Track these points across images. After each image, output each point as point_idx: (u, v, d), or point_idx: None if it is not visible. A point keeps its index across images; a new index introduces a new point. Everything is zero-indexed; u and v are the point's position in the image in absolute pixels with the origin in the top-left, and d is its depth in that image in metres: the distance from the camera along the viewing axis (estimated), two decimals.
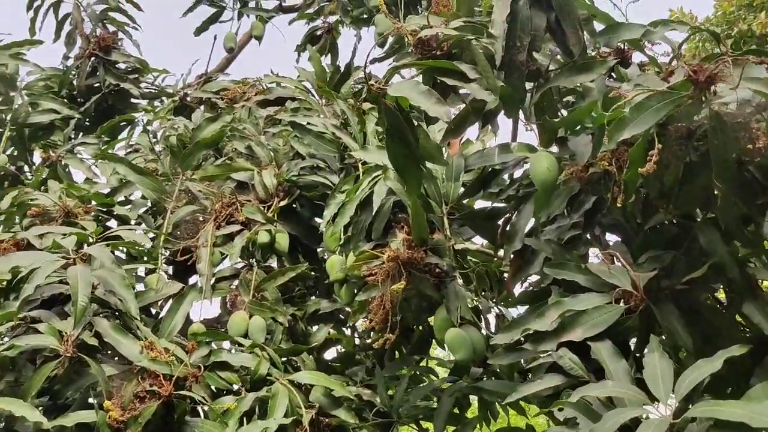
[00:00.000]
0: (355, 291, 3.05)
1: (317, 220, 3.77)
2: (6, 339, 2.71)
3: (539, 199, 2.50)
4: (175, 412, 2.61)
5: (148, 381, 2.54)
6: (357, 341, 4.03)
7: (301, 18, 5.47)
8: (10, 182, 4.66)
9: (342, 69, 4.28)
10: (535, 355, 2.36)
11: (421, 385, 3.41)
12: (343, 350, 3.94)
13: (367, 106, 3.74)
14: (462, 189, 2.99)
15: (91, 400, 2.70)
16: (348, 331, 4.01)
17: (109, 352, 2.77)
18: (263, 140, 3.77)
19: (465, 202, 3.15)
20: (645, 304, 2.25)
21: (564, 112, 2.84)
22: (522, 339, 2.38)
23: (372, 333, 3.85)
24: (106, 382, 2.51)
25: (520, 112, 2.49)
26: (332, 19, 5.41)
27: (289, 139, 3.67)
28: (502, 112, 2.30)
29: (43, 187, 3.94)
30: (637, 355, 2.28)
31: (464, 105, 2.26)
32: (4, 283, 2.99)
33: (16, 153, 4.84)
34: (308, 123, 3.59)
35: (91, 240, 2.99)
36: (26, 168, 4.92)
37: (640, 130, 2.01)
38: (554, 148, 2.66)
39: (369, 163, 3.19)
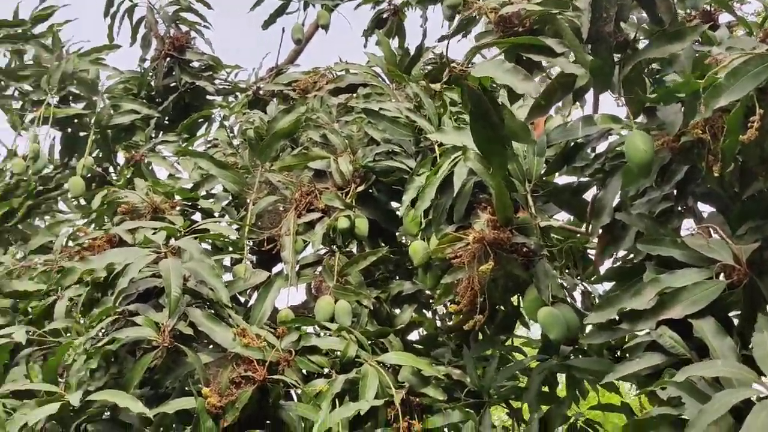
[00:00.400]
0: (439, 274, 3.04)
1: (394, 204, 3.78)
2: (102, 333, 2.83)
3: (629, 172, 2.42)
4: (269, 396, 2.68)
5: (243, 367, 2.60)
6: (438, 323, 4.03)
7: (367, 2, 5.44)
8: (97, 183, 4.86)
9: (411, 51, 4.25)
10: (632, 333, 2.29)
11: (510, 364, 3.38)
12: (425, 333, 3.95)
13: (438, 86, 3.71)
14: (545, 165, 2.93)
15: (188, 388, 2.80)
16: (428, 314, 4.03)
17: (204, 341, 2.86)
18: (337, 128, 3.79)
19: (546, 178, 3.09)
20: (749, 278, 2.15)
21: (649, 81, 2.74)
22: (617, 318, 2.32)
23: (453, 315, 3.87)
24: (203, 369, 2.60)
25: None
26: (398, 0, 5.37)
27: (363, 126, 3.68)
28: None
29: (129, 186, 4.09)
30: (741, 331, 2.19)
31: (550, 81, 2.21)
32: (101, 279, 3.13)
33: (101, 155, 5.04)
34: (381, 108, 3.58)
35: (179, 234, 3.08)
36: (111, 169, 5.12)
37: (738, 96, 1.91)
38: (641, 118, 2.57)
39: (445, 145, 3.17)
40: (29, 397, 2.79)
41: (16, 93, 4.89)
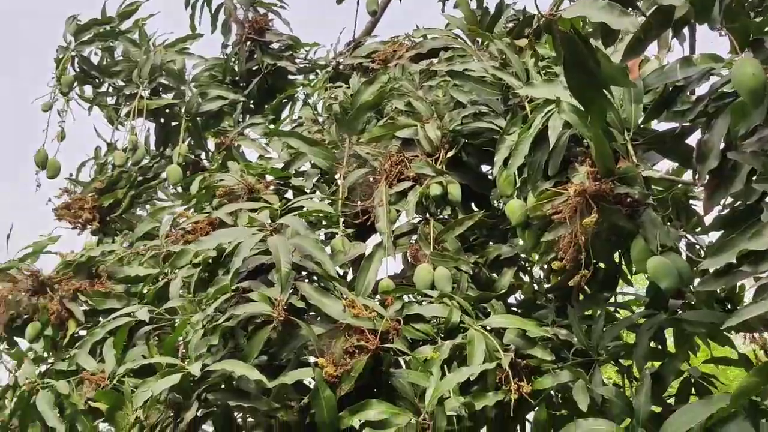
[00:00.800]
0: (539, 232, 2.99)
1: (484, 168, 3.75)
2: (216, 310, 2.94)
3: (738, 110, 2.30)
4: (382, 365, 2.73)
5: (355, 337, 2.65)
6: (535, 287, 3.99)
7: None
8: (191, 170, 5.03)
9: (491, 10, 4.16)
10: (755, 276, 2.20)
11: (617, 321, 3.31)
12: (523, 297, 3.91)
13: (522, 42, 3.63)
14: (643, 112, 2.82)
15: (302, 358, 2.88)
16: (525, 278, 3.99)
17: (312, 313, 2.94)
18: (421, 94, 3.77)
19: (644, 125, 2.98)
20: None
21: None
22: (734, 262, 2.23)
23: (552, 276, 3.82)
24: (317, 341, 2.66)
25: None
26: None
27: (448, 89, 3.65)
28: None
29: (223, 170, 4.21)
30: None
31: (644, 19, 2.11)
32: (210, 260, 3.25)
33: (192, 142, 5.20)
34: (465, 69, 3.53)
35: (278, 213, 3.16)
36: (203, 155, 5.28)
37: None
38: (746, 54, 2.42)
39: (536, 100, 3.10)
40: (150, 374, 2.94)
41: (110, 89, 5.11)
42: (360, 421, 2.59)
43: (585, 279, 2.67)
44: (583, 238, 2.61)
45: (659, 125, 3.03)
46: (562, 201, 2.71)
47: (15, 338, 4.29)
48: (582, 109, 2.50)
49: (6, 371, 4.46)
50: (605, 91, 2.26)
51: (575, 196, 2.63)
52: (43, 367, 4.01)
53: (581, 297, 3.45)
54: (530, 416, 3.03)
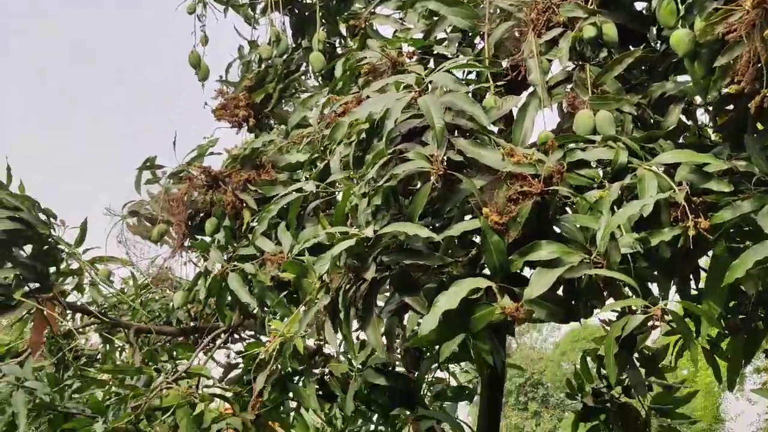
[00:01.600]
0: (709, 60, 2.75)
1: (637, 6, 3.47)
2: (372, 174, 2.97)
3: None
4: (548, 210, 2.69)
5: (518, 184, 2.62)
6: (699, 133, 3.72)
7: None
8: (328, 58, 5.06)
9: None
10: None
11: None
12: (686, 141, 3.67)
13: None
14: None
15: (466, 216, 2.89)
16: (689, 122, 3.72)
17: (470, 169, 2.92)
18: None
19: None
20: None
21: None
22: None
23: (717, 118, 3.53)
24: (478, 192, 2.66)
25: None
26: None
27: None
28: None
29: (363, 49, 4.20)
30: None
31: None
32: (365, 135, 3.30)
33: (326, 30, 5.20)
34: None
35: (425, 80, 3.11)
36: (339, 42, 5.28)
37: None
38: None
39: None
40: (323, 252, 3.09)
41: None
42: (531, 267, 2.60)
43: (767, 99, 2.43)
44: (764, 53, 2.37)
45: None
46: (737, 18, 2.46)
47: (195, 236, 4.69)
48: None
49: (193, 264, 4.92)
50: None
51: (753, 8, 2.37)
52: (225, 256, 4.36)
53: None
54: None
